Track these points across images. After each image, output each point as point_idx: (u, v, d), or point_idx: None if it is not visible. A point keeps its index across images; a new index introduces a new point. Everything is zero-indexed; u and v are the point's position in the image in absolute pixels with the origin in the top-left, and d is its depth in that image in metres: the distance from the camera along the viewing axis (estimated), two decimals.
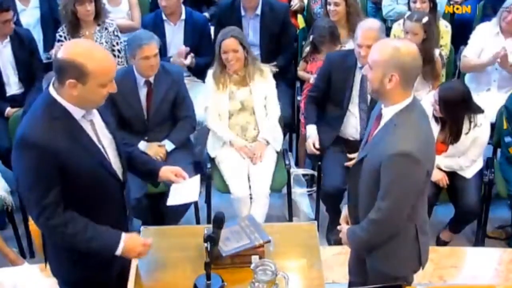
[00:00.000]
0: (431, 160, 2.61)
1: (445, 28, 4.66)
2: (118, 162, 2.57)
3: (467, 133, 3.76)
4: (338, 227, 2.92)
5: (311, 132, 4.09)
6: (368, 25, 3.80)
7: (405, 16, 4.39)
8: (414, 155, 2.43)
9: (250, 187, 3.96)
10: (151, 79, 3.92)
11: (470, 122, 3.75)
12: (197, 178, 2.83)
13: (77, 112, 2.39)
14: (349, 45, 4.46)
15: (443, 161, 3.83)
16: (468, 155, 3.84)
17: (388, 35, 4.83)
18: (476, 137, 3.78)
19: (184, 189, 2.76)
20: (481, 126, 3.77)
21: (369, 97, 3.91)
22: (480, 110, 3.79)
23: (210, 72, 4.07)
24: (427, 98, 3.88)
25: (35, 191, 2.36)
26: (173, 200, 2.74)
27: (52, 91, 2.38)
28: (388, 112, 2.55)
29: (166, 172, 2.80)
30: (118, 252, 2.51)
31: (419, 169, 2.49)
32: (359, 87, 3.94)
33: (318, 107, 4.16)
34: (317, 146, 4.02)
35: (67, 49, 2.35)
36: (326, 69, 4.09)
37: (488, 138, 3.90)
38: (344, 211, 2.96)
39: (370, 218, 2.59)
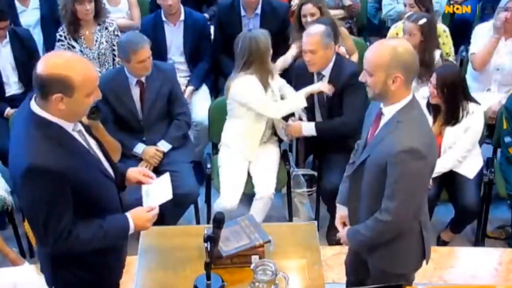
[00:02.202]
0: (434, 155, 2.62)
1: (443, 32, 4.60)
2: (107, 163, 2.57)
3: (460, 121, 3.76)
4: (339, 231, 2.93)
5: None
6: (312, 30, 3.85)
7: (405, 17, 4.39)
8: (421, 151, 2.44)
9: (255, 187, 3.96)
10: (143, 78, 3.93)
11: (463, 110, 3.75)
12: (166, 176, 2.78)
13: (68, 126, 2.34)
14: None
15: (440, 163, 3.73)
16: (460, 144, 3.81)
17: (385, 35, 4.83)
18: (468, 126, 3.77)
19: (156, 190, 2.71)
20: (473, 114, 3.76)
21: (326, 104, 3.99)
22: (475, 100, 3.81)
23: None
24: (419, 93, 3.90)
25: (52, 217, 2.30)
26: (148, 202, 2.68)
27: (36, 109, 2.30)
28: (389, 110, 2.55)
29: (133, 173, 2.74)
30: (132, 230, 2.53)
31: (426, 165, 2.50)
32: (317, 94, 3.99)
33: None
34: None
35: (47, 63, 2.26)
36: (291, 77, 4.16)
37: (482, 128, 3.87)
38: (339, 213, 2.96)
39: (378, 218, 2.58)
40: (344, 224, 2.93)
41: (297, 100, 3.93)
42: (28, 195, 2.31)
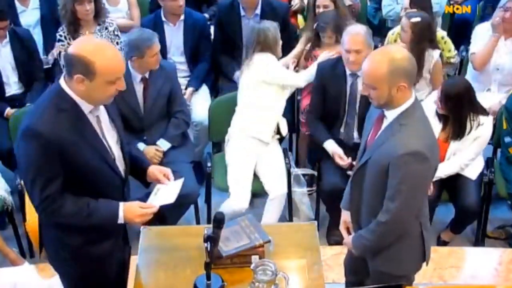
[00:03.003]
0: (437, 158, 2.63)
1: (441, 39, 4.56)
2: (122, 159, 2.59)
3: (469, 133, 3.74)
4: (344, 237, 2.93)
5: (333, 148, 3.94)
6: (355, 30, 3.79)
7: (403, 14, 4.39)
8: (424, 153, 2.45)
9: (266, 188, 3.98)
10: (147, 75, 3.95)
11: (472, 121, 3.73)
12: (180, 181, 2.81)
13: (85, 106, 2.41)
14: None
15: (442, 169, 3.75)
16: (466, 153, 3.81)
17: (385, 35, 4.83)
18: (477, 136, 3.77)
19: (166, 191, 2.74)
20: (483, 125, 3.75)
21: (357, 103, 3.91)
22: (485, 112, 3.78)
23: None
24: (430, 97, 3.89)
25: (38, 180, 2.38)
26: (153, 200, 2.71)
27: (62, 83, 2.41)
28: (392, 113, 2.54)
29: (154, 171, 2.79)
30: (120, 220, 2.55)
31: (428, 167, 2.51)
32: (349, 94, 3.93)
33: (322, 121, 4.07)
34: (345, 158, 3.88)
35: (78, 44, 2.39)
36: (319, 80, 4.04)
37: (489, 137, 3.88)
38: (343, 216, 2.96)
39: (379, 220, 2.59)
40: (347, 229, 2.93)
41: (313, 68, 4.07)
42: (19, 154, 2.41)
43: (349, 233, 2.93)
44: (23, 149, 2.39)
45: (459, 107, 3.68)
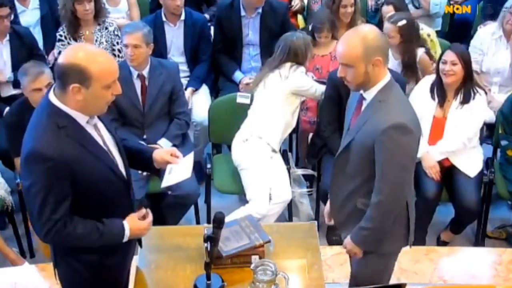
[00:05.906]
0: (419, 129, 2.65)
1: (427, 36, 4.53)
2: (121, 162, 2.55)
3: (462, 103, 3.82)
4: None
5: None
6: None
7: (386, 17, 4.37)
8: (407, 125, 2.48)
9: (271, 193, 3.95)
10: (145, 73, 3.96)
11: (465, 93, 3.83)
12: (191, 155, 2.79)
13: (82, 118, 2.35)
14: None
15: (445, 146, 3.84)
16: (466, 128, 3.84)
17: None
18: (472, 107, 3.82)
19: (179, 168, 2.72)
20: (475, 99, 3.83)
21: None
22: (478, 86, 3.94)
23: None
24: (425, 81, 3.98)
25: (47, 205, 2.30)
26: (166, 181, 2.70)
27: (53, 99, 2.33)
28: (370, 93, 2.58)
29: (160, 154, 2.71)
30: (126, 238, 2.50)
31: (413, 139, 2.53)
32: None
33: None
34: None
35: (67, 53, 2.31)
36: (333, 90, 3.88)
37: (484, 111, 3.92)
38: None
39: (373, 202, 2.59)
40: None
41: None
42: (26, 179, 2.33)
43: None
44: (30, 174, 2.29)
45: (471, 68, 3.83)
